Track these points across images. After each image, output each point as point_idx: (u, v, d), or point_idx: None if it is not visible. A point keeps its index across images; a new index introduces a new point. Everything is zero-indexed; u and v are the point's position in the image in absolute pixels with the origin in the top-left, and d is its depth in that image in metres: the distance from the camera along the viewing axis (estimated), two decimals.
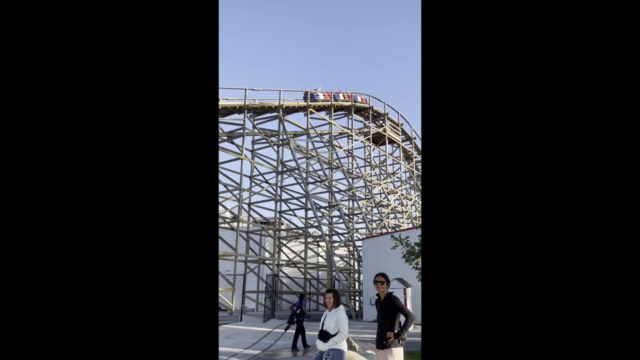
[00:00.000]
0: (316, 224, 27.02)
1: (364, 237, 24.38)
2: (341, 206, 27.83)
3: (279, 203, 27.62)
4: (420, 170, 41.46)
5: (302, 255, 28.14)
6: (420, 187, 41.26)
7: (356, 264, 33.47)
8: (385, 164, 37.07)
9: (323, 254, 31.81)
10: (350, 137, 33.60)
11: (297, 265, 27.92)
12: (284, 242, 28.59)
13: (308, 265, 28.50)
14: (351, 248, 32.58)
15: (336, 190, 29.95)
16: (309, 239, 29.51)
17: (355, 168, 33.37)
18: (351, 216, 31.82)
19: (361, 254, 24.14)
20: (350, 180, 30.59)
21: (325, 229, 26.01)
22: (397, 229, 24.61)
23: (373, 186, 33.13)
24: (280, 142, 27.91)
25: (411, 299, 18.76)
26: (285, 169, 27.98)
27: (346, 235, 28.31)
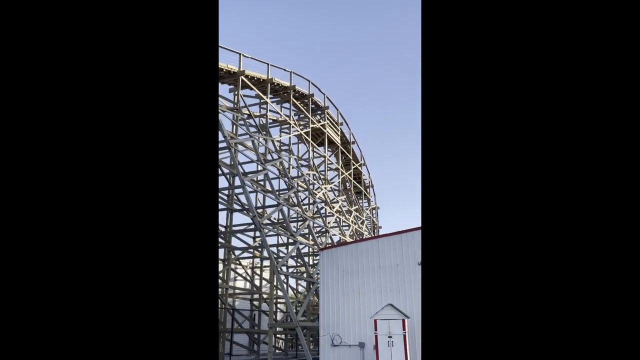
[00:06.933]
0: (246, 230, 19.38)
1: (321, 247, 17.30)
2: (284, 207, 20.45)
3: None
4: (354, 179, 35.90)
5: (223, 276, 19.99)
6: (357, 198, 35.54)
7: (285, 288, 25.90)
8: (324, 167, 30.66)
9: (245, 275, 23.88)
10: (287, 128, 26.72)
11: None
12: None
13: (230, 292, 20.41)
14: (286, 268, 25.08)
15: (269, 190, 22.62)
16: (239, 253, 21.47)
17: (294, 167, 26.35)
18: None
19: (316, 271, 17.04)
20: (287, 180, 23.55)
21: (251, 240, 18.35)
22: (333, 244, 17.84)
23: (314, 192, 26.35)
24: None
25: (409, 335, 12.18)
26: None
27: (292, 247, 20.75)
